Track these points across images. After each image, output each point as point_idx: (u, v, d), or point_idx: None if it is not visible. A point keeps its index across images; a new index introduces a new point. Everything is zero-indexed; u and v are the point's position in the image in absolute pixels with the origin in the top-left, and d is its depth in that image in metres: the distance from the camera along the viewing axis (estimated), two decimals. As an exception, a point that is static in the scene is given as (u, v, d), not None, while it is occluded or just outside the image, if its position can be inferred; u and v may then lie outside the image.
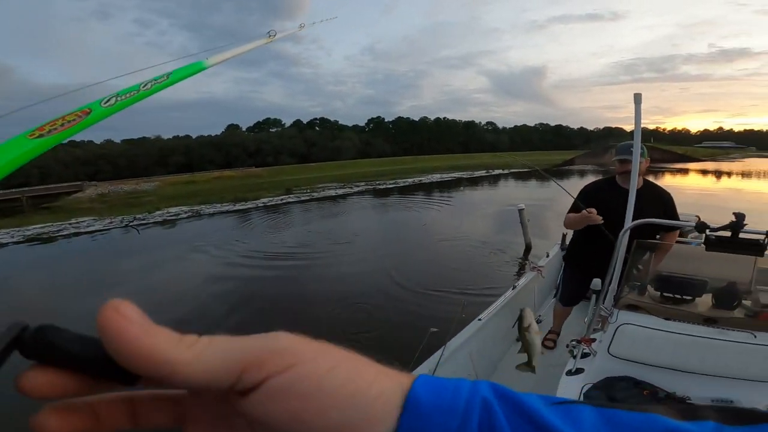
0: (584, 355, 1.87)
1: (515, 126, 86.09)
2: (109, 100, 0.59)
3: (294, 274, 6.88)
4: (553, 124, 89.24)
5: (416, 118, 74.09)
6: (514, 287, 3.17)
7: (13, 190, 28.48)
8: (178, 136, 53.40)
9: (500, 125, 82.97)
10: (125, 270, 8.29)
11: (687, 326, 1.58)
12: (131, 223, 14.68)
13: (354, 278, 6.39)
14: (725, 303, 1.64)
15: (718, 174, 29.86)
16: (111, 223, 15.58)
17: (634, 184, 1.99)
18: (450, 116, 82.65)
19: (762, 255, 1.47)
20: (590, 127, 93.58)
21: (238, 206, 17.80)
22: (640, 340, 1.62)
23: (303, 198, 19.27)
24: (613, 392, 1.60)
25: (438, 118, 75.90)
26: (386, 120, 72.63)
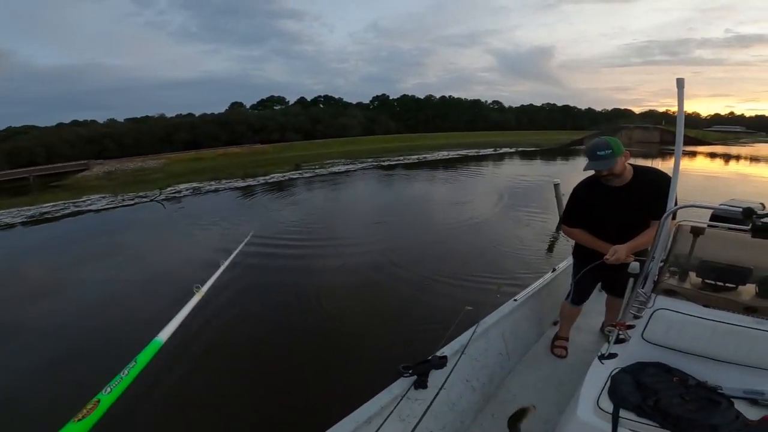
0: (619, 341, 1.84)
1: (522, 105, 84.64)
2: (105, 390, 0.75)
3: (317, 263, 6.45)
4: (560, 104, 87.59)
5: (421, 96, 73.13)
6: (554, 270, 3.11)
7: (20, 169, 28.46)
8: (181, 114, 53.00)
9: (506, 104, 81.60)
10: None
11: (726, 314, 1.53)
12: (156, 198, 14.89)
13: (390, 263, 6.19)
14: None
15: (727, 158, 29.73)
16: (128, 199, 15.83)
17: (678, 157, 1.86)
18: (455, 95, 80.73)
19: None
20: (598, 108, 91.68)
21: (249, 181, 17.93)
22: (676, 326, 1.58)
23: (318, 173, 19.36)
24: (641, 376, 1.58)
25: (443, 96, 74.75)
26: (391, 97, 71.68)
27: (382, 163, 22.77)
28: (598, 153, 1.93)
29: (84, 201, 15.91)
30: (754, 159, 29.99)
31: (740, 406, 1.45)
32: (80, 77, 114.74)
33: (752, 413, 1.43)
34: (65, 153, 35.18)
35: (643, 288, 1.73)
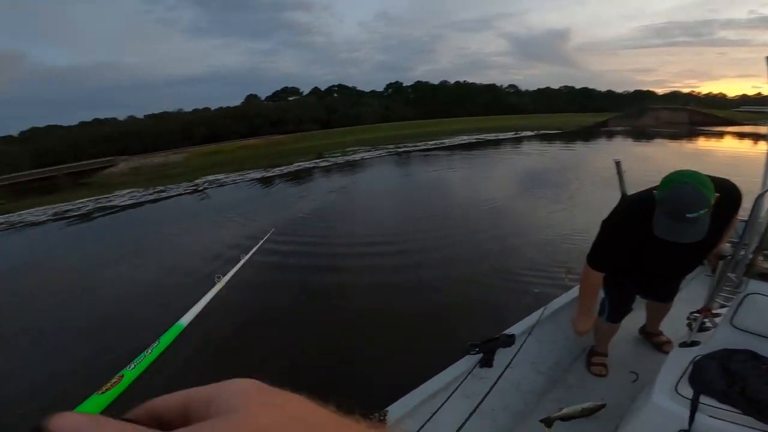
0: (702, 329, 1.75)
1: (539, 89, 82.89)
2: (129, 366, 0.80)
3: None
4: (578, 86, 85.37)
5: (435, 82, 72.34)
6: None
7: (48, 168, 29.28)
8: (198, 109, 53.71)
9: (522, 88, 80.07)
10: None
11: None
12: (199, 189, 15.40)
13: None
14: None
15: (756, 137, 28.62)
16: (156, 192, 16.23)
17: None
18: (469, 79, 79.76)
19: None
20: (619, 90, 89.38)
21: (274, 171, 18.12)
22: None
23: (349, 159, 19.56)
24: (728, 363, 1.48)
25: (458, 82, 73.82)
26: (405, 84, 71.06)
27: (409, 149, 22.71)
28: (688, 215, 1.32)
29: (116, 195, 16.39)
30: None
31: None
32: (95, 76, 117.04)
33: None
34: (90, 151, 36.07)
35: (733, 272, 1.59)
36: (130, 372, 0.76)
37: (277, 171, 18.45)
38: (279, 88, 62.42)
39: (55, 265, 7.62)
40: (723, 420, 1.39)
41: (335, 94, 62.76)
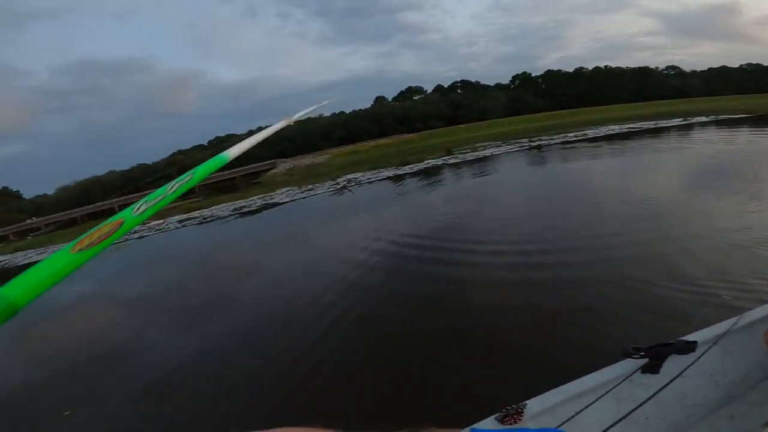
0: None
1: (710, 68, 67.12)
2: (139, 208, 0.55)
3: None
4: (766, 63, 65.95)
5: (569, 70, 64.94)
6: None
7: (231, 171, 36.43)
8: (335, 113, 59.61)
9: (687, 68, 65.82)
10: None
11: None
12: (348, 187, 17.20)
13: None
14: None
15: None
16: (307, 189, 18.73)
17: None
18: (611, 64, 69.08)
19: None
20: (835, 64, 65.69)
21: (404, 169, 19.06)
22: None
23: (468, 158, 19.39)
24: None
25: (597, 67, 64.84)
26: (533, 75, 65.82)
27: (544, 143, 21.18)
28: None
29: (277, 193, 19.52)
30: None
31: None
32: (255, 89, 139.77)
33: None
34: (258, 155, 43.35)
35: None
36: (133, 218, 0.53)
37: (407, 169, 19.29)
38: (404, 88, 64.79)
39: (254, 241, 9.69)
40: None
41: (459, 90, 62.03)
